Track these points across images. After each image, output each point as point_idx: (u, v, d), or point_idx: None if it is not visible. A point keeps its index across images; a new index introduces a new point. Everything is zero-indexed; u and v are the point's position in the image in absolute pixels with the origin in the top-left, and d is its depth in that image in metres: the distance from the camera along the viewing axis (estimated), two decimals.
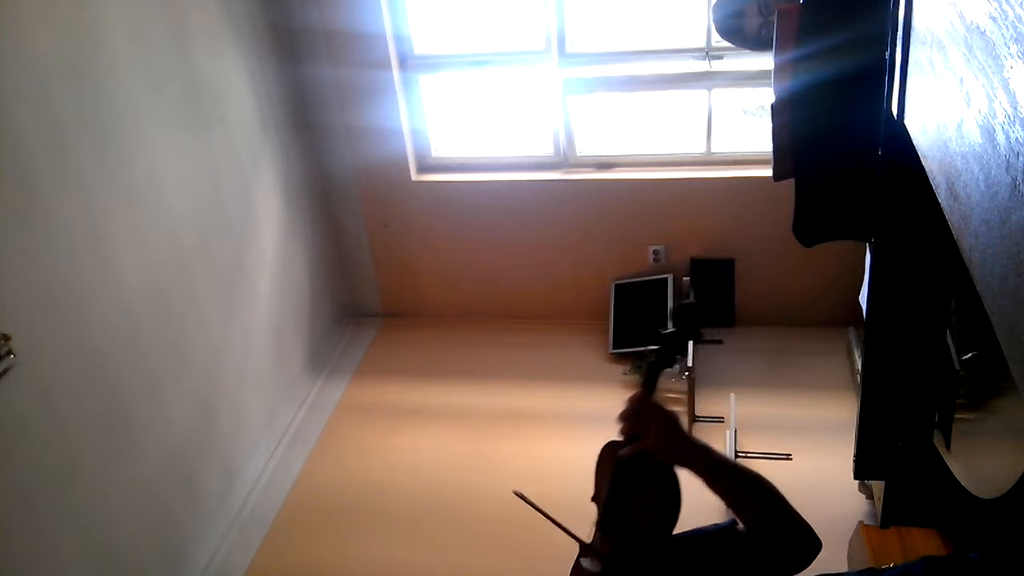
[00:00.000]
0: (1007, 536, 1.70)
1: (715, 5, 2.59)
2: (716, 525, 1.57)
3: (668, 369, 1.57)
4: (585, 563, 1.52)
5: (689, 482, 1.42)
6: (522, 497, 1.57)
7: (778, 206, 2.57)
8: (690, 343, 1.59)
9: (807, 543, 1.39)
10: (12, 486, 2.25)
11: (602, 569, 1.46)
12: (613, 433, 1.53)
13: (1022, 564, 1.47)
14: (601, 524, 1.53)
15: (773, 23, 2.10)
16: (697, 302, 1.58)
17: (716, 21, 2.62)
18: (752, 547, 1.43)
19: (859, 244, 2.22)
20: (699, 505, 1.51)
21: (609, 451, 1.58)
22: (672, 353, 1.57)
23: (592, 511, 1.56)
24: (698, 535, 1.54)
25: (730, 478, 1.42)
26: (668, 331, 1.56)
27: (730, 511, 1.45)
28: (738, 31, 2.50)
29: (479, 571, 2.95)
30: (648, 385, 1.53)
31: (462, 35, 3.95)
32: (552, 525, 1.50)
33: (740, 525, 1.49)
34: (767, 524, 1.40)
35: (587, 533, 1.54)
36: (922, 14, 1.19)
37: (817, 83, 1.99)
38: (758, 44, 2.47)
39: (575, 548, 1.65)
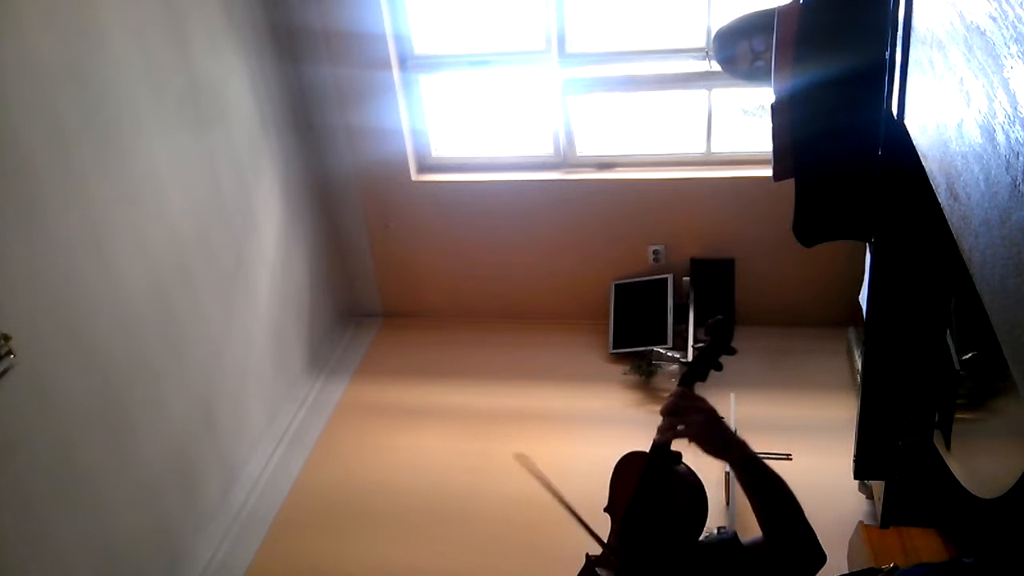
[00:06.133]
0: (1007, 536, 1.70)
1: (712, 42, 2.63)
2: (719, 536, 1.57)
3: (701, 381, 1.59)
4: (602, 572, 1.52)
5: None
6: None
7: (778, 206, 2.57)
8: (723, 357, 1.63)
9: (814, 556, 1.41)
10: (12, 486, 2.25)
11: None
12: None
13: (1016, 569, 1.47)
14: (621, 531, 1.53)
15: (767, 60, 2.13)
16: (727, 318, 1.62)
17: (714, 57, 2.68)
18: (760, 558, 1.43)
19: (859, 244, 2.22)
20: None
21: (629, 461, 1.58)
22: (707, 365, 1.59)
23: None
24: (704, 545, 1.54)
25: (764, 477, 1.44)
26: (700, 345, 1.58)
27: (755, 513, 1.46)
28: (732, 70, 2.56)
29: (479, 571, 2.95)
30: (687, 381, 1.55)
31: (462, 35, 3.95)
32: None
33: (745, 537, 1.49)
34: (786, 529, 1.42)
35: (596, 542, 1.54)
36: (922, 14, 1.19)
37: (817, 83, 1.99)
38: (751, 79, 2.52)
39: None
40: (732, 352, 1.60)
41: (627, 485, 1.54)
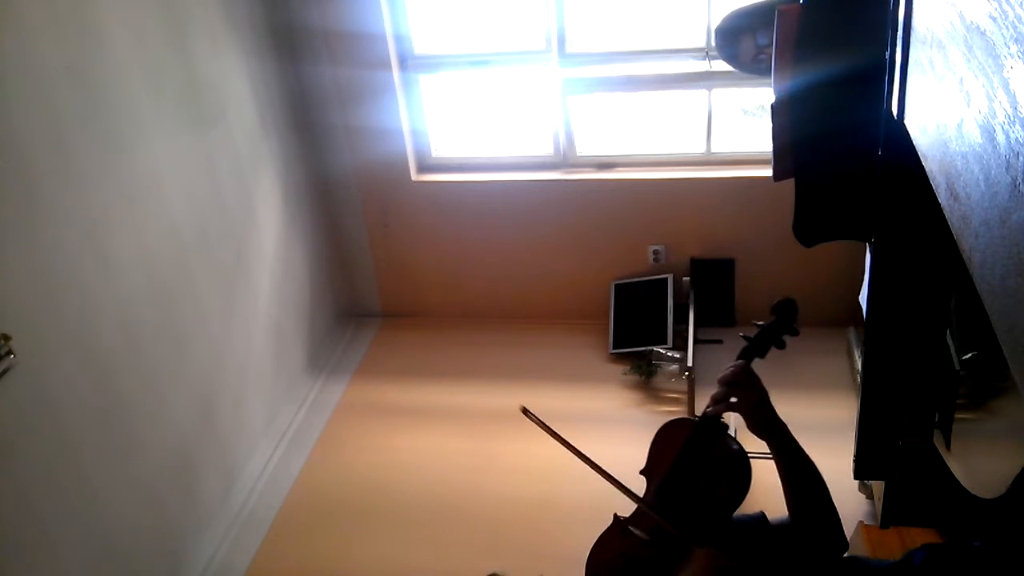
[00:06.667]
0: (1007, 535, 1.70)
1: (715, 35, 2.62)
2: (748, 516, 1.59)
3: (760, 358, 1.62)
4: (635, 531, 1.54)
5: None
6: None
7: (778, 206, 2.57)
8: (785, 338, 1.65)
9: (838, 541, 1.45)
10: (13, 485, 2.25)
11: (651, 539, 1.48)
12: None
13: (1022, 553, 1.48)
14: (659, 492, 1.55)
15: (770, 55, 2.13)
16: (793, 300, 1.64)
17: (717, 50, 2.67)
18: (788, 539, 1.47)
19: (859, 244, 2.22)
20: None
21: (675, 426, 1.62)
22: (769, 342, 1.61)
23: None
24: (735, 521, 1.57)
25: (801, 461, 1.50)
26: (763, 323, 1.59)
27: (787, 495, 1.50)
28: (735, 64, 2.56)
29: (479, 571, 2.95)
30: (747, 355, 1.58)
31: (462, 35, 3.95)
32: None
33: (772, 517, 1.52)
34: (814, 513, 1.46)
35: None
36: (922, 14, 1.19)
37: (817, 83, 1.99)
38: (754, 73, 2.52)
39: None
40: (796, 333, 1.64)
41: (671, 449, 1.56)
